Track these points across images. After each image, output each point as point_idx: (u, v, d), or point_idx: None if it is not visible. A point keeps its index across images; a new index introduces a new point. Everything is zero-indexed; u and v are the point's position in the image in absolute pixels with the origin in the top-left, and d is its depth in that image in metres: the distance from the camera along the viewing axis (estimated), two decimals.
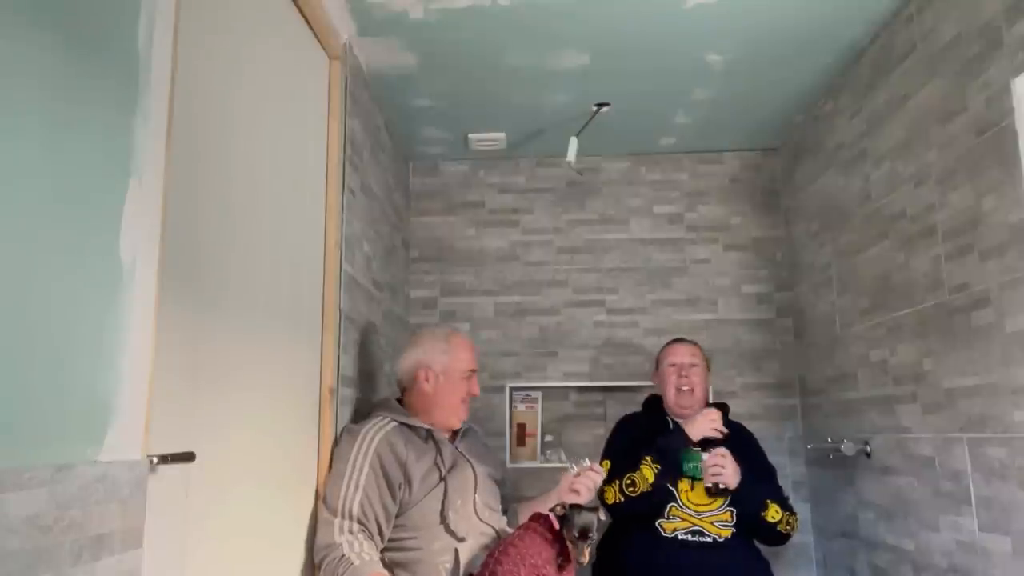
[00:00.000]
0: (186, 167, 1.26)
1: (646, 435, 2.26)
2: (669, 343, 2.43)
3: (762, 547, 2.26)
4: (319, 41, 2.03)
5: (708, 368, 2.39)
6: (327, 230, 2.03)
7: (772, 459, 2.94)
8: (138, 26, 1.10)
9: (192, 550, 1.25)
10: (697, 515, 2.16)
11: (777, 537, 2.19)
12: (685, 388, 2.27)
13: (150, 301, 1.10)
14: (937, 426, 1.97)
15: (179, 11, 1.20)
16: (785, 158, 3.16)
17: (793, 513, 2.20)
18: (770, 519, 2.12)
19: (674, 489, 2.19)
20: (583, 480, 1.95)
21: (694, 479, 2.17)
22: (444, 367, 2.01)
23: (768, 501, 2.14)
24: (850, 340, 2.52)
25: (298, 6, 1.87)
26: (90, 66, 0.98)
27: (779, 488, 2.28)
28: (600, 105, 2.73)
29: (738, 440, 2.29)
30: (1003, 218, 1.68)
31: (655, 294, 3.18)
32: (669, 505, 2.17)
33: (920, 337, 2.05)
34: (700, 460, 2.14)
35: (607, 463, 2.19)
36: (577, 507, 1.74)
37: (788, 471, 3.00)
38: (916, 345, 2.07)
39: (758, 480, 2.19)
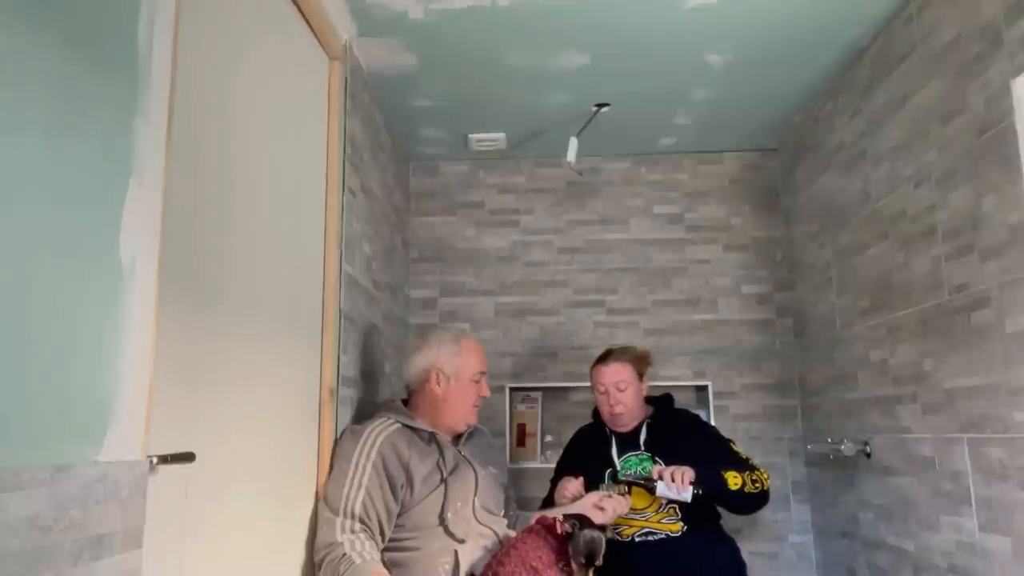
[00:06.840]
0: (186, 167, 1.26)
1: (590, 448, 2.34)
2: (595, 363, 2.33)
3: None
4: (319, 41, 2.03)
5: (643, 372, 2.32)
6: (327, 230, 2.03)
7: (772, 459, 2.98)
8: (138, 26, 1.10)
9: (192, 550, 1.24)
10: (642, 517, 2.16)
11: (751, 500, 2.12)
12: (617, 412, 2.26)
13: (150, 301, 1.09)
14: (937, 426, 1.97)
15: (179, 11, 1.20)
16: (785, 158, 3.16)
17: (755, 469, 2.15)
18: (732, 487, 2.07)
19: None
20: (610, 502, 1.95)
21: (643, 479, 2.12)
22: (455, 369, 2.00)
23: (723, 473, 2.09)
24: (850, 340, 2.52)
25: (298, 6, 1.87)
26: (90, 65, 0.98)
27: (734, 454, 2.21)
28: (600, 105, 2.73)
29: (687, 428, 2.30)
30: (1003, 218, 1.68)
31: (655, 294, 3.18)
32: None
33: (920, 337, 2.05)
34: (649, 471, 2.12)
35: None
36: (586, 523, 1.74)
37: (788, 471, 3.00)
38: (916, 345, 2.07)
39: (707, 460, 2.13)
